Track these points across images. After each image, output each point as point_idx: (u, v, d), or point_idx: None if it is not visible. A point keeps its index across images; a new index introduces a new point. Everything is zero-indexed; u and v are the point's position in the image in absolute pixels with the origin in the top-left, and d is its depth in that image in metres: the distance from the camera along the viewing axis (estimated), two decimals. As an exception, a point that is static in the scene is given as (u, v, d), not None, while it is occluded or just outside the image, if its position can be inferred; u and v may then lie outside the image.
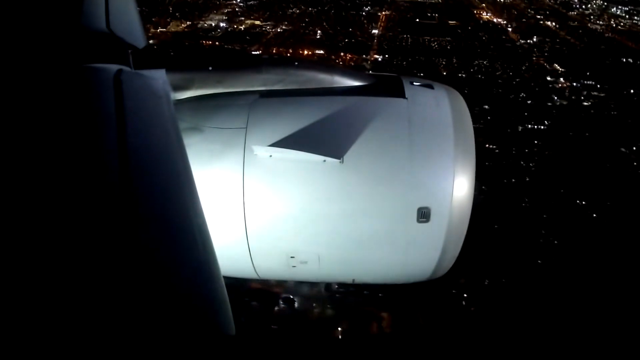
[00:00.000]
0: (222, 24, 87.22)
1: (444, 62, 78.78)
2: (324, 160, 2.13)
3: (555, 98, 66.10)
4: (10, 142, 1.31)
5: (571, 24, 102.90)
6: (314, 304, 34.14)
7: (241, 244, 2.24)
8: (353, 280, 2.45)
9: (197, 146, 2.17)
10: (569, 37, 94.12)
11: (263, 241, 2.25)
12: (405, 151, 2.16)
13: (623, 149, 54.49)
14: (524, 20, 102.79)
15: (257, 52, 77.13)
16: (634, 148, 54.95)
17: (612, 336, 31.08)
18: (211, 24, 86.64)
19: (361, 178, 2.15)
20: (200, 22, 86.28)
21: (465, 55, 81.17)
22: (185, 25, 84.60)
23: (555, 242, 39.44)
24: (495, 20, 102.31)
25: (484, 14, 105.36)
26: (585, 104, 65.81)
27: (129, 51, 2.07)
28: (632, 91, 70.50)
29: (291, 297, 34.26)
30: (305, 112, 2.24)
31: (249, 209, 2.18)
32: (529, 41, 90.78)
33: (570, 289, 35.63)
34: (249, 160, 2.17)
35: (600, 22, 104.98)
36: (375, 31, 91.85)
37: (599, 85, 71.29)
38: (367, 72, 2.48)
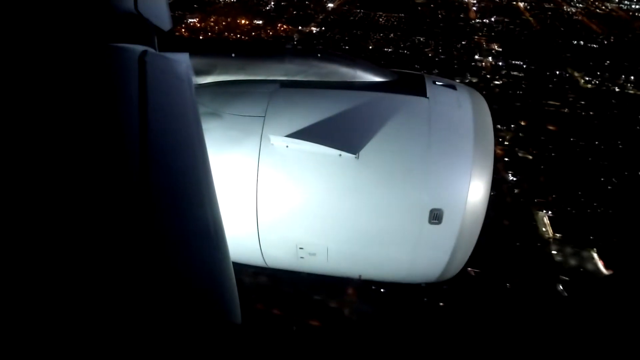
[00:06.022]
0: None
1: (378, 37, 78.72)
2: (340, 155, 2.14)
3: (468, 75, 65.26)
4: (34, 118, 1.33)
5: (546, 5, 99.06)
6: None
7: (251, 231, 2.28)
8: (360, 276, 2.43)
9: (215, 132, 2.22)
10: (531, 19, 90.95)
11: (273, 230, 2.28)
12: (422, 151, 2.15)
13: (499, 126, 53.86)
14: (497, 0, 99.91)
15: (195, 19, 79.90)
16: (512, 126, 54.22)
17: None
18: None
19: (376, 175, 2.14)
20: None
21: (406, 32, 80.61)
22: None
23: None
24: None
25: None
26: (496, 82, 64.66)
27: (155, 33, 2.10)
28: (557, 72, 68.50)
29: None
30: (324, 105, 2.25)
31: (262, 197, 2.21)
32: (484, 20, 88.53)
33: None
34: (265, 149, 2.20)
35: (580, 5, 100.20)
36: (330, 5, 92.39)
37: (525, 66, 69.53)
38: (390, 69, 2.51)
